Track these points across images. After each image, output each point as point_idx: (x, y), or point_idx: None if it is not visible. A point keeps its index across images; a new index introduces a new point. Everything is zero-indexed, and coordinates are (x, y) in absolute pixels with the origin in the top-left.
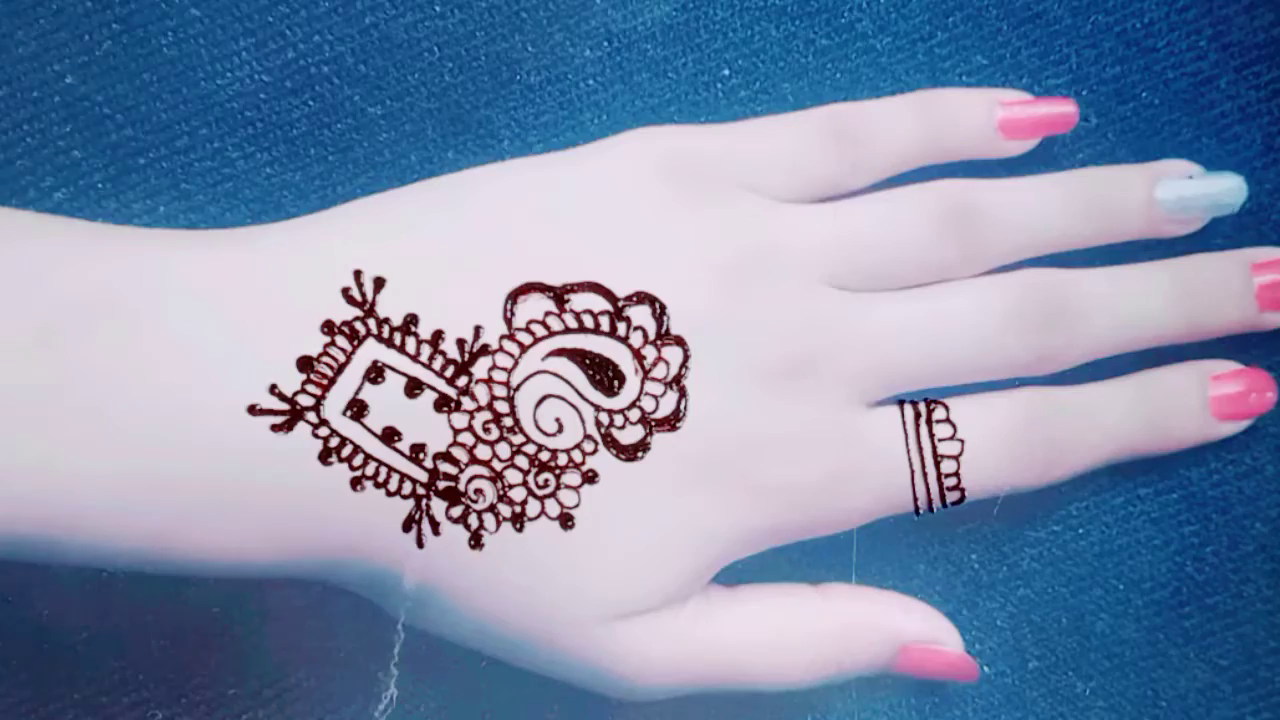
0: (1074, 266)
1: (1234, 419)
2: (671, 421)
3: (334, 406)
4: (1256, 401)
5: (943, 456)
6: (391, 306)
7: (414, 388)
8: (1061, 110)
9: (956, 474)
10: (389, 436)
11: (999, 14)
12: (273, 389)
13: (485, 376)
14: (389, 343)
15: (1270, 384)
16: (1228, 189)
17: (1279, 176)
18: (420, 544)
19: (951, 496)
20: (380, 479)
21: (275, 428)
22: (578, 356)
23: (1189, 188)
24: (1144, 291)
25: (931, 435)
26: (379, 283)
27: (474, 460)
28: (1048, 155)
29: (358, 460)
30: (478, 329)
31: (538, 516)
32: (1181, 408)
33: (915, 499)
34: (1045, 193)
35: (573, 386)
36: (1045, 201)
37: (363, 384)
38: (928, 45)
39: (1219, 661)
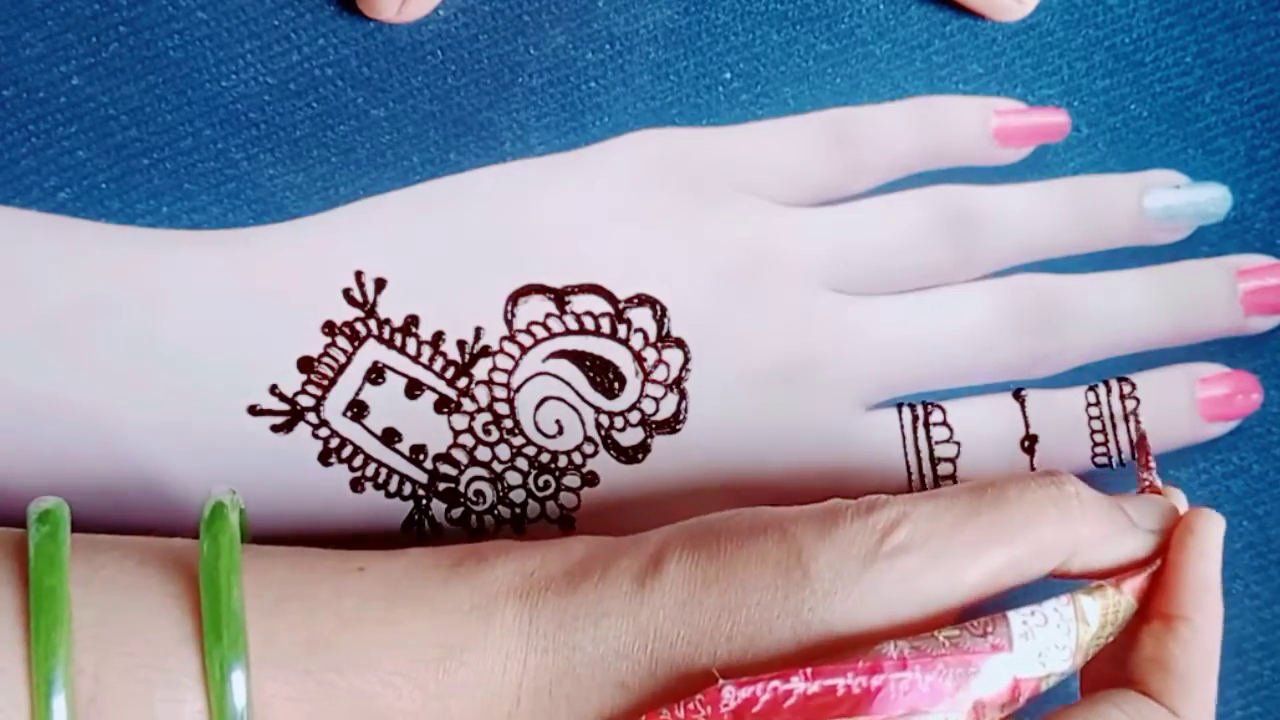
0: (1066, 273)
1: (1221, 420)
2: (672, 424)
3: (334, 407)
4: (1243, 403)
5: (940, 459)
6: (392, 307)
7: (414, 389)
8: (1054, 120)
9: (953, 476)
10: (389, 437)
11: (994, 25)
12: (273, 389)
13: (486, 378)
14: (389, 344)
15: (1255, 386)
16: (1212, 199)
17: (1262, 187)
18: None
19: None
20: (380, 480)
21: (275, 428)
22: (578, 358)
23: (1176, 197)
24: (1134, 297)
25: (929, 437)
26: (380, 284)
27: (474, 462)
28: (1040, 164)
29: (358, 461)
30: (478, 330)
31: (537, 519)
32: (1170, 409)
33: None
34: (1038, 199)
35: (573, 388)
36: (1038, 208)
37: (363, 385)
38: (925, 53)
39: None
